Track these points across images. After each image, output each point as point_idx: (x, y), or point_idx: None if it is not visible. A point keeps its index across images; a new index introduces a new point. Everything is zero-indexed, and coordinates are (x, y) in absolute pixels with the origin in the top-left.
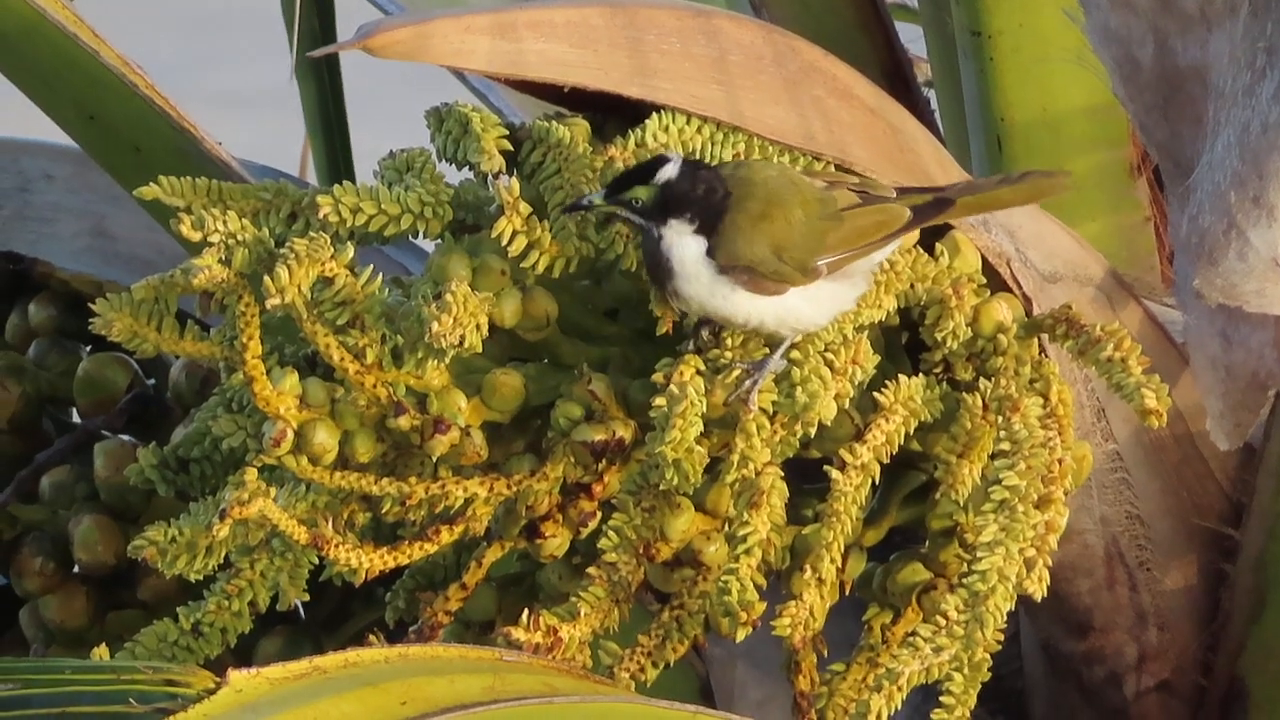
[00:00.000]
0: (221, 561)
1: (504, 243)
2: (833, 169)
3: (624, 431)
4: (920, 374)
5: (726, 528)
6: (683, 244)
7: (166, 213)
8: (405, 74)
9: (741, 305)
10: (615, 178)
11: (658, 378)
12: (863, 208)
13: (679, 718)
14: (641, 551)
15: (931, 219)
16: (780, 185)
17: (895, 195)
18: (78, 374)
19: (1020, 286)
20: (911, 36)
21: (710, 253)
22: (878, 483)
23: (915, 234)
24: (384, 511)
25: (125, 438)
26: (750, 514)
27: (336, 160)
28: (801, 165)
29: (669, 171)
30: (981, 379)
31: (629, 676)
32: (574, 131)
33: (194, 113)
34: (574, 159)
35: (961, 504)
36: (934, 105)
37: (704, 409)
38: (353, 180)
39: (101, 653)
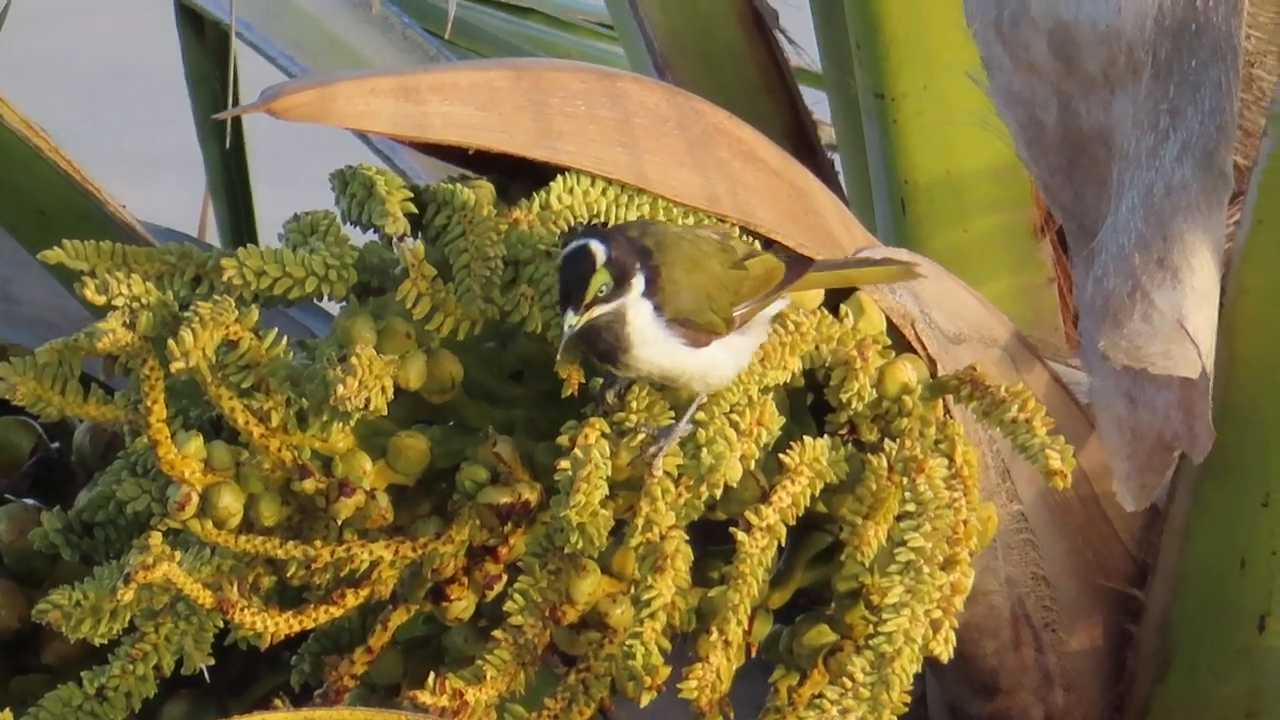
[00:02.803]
0: (126, 626)
1: (409, 305)
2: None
3: (529, 494)
4: (826, 435)
5: (632, 590)
6: (637, 309)
7: (71, 276)
8: (309, 136)
9: (682, 359)
10: (564, 291)
11: (563, 440)
12: (757, 257)
13: None
14: (547, 614)
15: (795, 279)
16: (689, 240)
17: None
18: None
19: (925, 348)
20: (815, 99)
21: (658, 310)
22: (784, 545)
23: (820, 295)
24: (289, 575)
25: (29, 501)
26: (654, 578)
27: (239, 222)
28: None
29: (601, 252)
30: (887, 440)
31: None
32: (479, 194)
33: (98, 175)
34: (479, 222)
35: (867, 565)
36: (838, 167)
37: (609, 472)
38: (256, 242)
39: (5, 718)
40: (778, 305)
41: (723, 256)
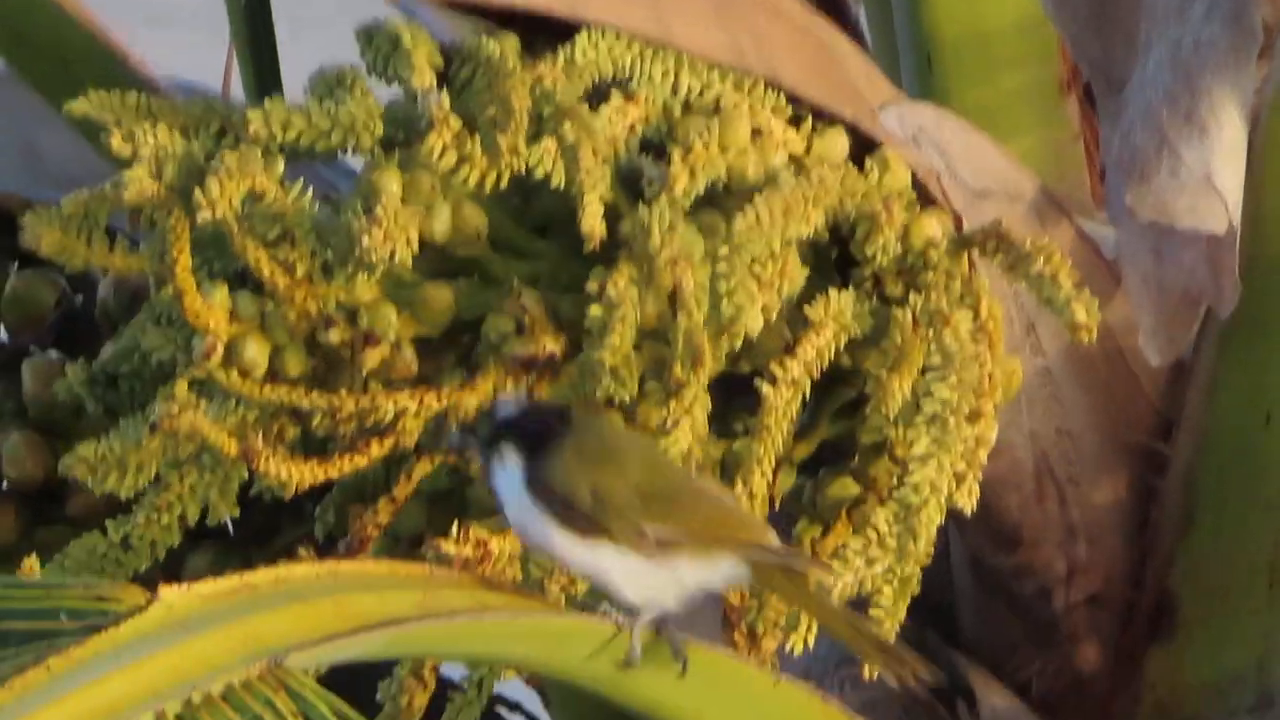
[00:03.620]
0: (151, 478)
1: (434, 158)
2: None
3: (554, 345)
4: (850, 289)
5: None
6: (505, 469)
7: (96, 131)
8: None
9: (553, 539)
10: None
11: (592, 286)
12: (714, 498)
13: (610, 631)
14: None
15: (795, 565)
16: (631, 444)
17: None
18: (5, 292)
19: (950, 202)
20: None
21: (529, 478)
22: (808, 397)
23: (845, 147)
24: (314, 425)
25: (53, 354)
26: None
27: (265, 80)
28: None
29: (508, 409)
30: (912, 294)
31: (559, 590)
32: (504, 47)
33: (123, 33)
34: (504, 74)
35: (892, 418)
36: (864, 24)
37: (638, 318)
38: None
39: (31, 565)
40: (725, 571)
41: (662, 474)
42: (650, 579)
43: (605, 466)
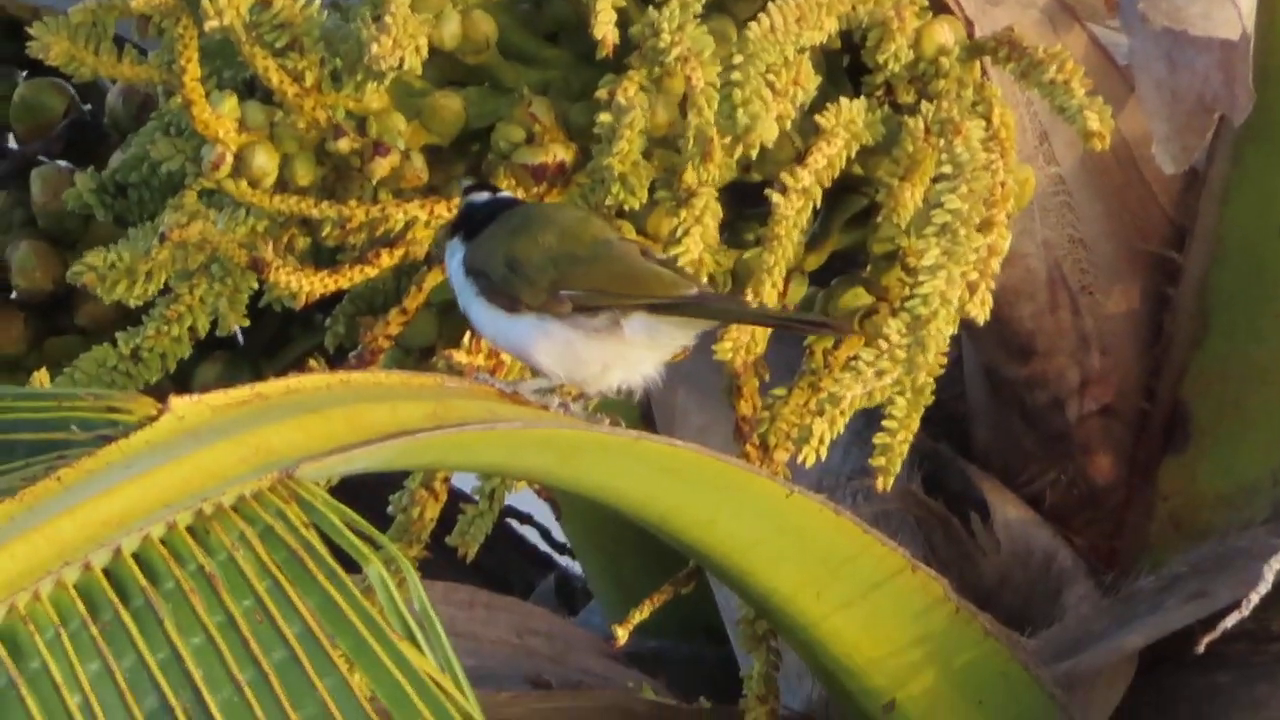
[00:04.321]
0: (160, 288)
1: None
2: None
3: (564, 154)
4: (862, 97)
5: (665, 251)
6: (453, 258)
7: None
8: None
9: (482, 316)
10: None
11: (602, 94)
12: (630, 259)
13: (620, 443)
14: None
15: (710, 316)
16: (556, 216)
17: (696, 287)
18: (14, 99)
19: (962, 9)
20: None
21: (464, 258)
22: (819, 207)
23: None
24: (324, 235)
25: (62, 163)
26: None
27: None
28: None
29: (475, 198)
30: (923, 102)
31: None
32: None
33: None
34: None
35: (903, 227)
36: None
37: (648, 125)
38: None
39: (41, 378)
40: (672, 336)
41: (581, 241)
42: (574, 350)
43: (521, 238)
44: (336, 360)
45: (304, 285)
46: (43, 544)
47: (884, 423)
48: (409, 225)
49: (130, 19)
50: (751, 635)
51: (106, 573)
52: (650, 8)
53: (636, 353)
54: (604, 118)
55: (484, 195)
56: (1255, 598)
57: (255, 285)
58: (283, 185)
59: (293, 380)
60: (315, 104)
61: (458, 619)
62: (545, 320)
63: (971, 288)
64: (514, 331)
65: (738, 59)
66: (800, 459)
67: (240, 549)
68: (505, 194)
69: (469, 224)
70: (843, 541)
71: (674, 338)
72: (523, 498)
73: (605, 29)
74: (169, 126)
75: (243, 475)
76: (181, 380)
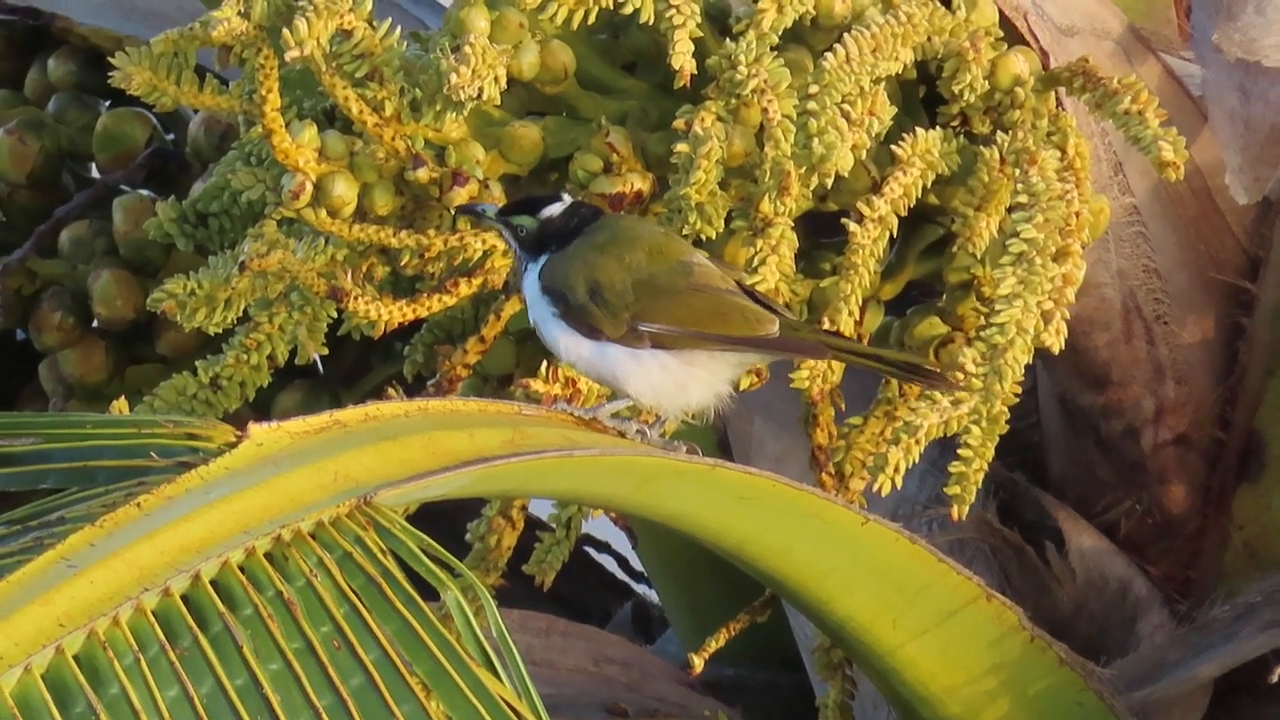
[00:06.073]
0: (240, 315)
1: None
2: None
3: (642, 184)
4: (938, 127)
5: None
6: (528, 273)
7: None
8: None
9: (558, 336)
10: (516, 200)
11: (679, 124)
12: (710, 293)
13: (697, 470)
14: None
15: (795, 352)
16: (640, 232)
17: (778, 314)
18: (97, 129)
19: (1037, 40)
20: None
21: (540, 275)
22: (895, 237)
23: None
24: (403, 265)
25: (144, 192)
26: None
27: None
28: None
29: (553, 210)
30: (999, 132)
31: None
32: None
33: None
34: None
35: (979, 257)
36: None
37: (724, 155)
38: None
39: (121, 406)
40: (740, 358)
41: (663, 269)
42: (658, 377)
43: (605, 259)
44: (415, 388)
45: (383, 314)
46: (122, 569)
47: (959, 451)
48: (487, 254)
49: (212, 49)
50: (827, 663)
51: (185, 598)
52: (728, 39)
53: (712, 374)
54: (681, 148)
55: (557, 206)
56: None
57: (334, 314)
58: (362, 214)
59: (371, 408)
60: (394, 134)
61: (535, 646)
62: (637, 352)
63: (1047, 317)
64: (595, 357)
65: (813, 89)
66: (876, 487)
67: (318, 575)
68: (578, 200)
69: (544, 232)
70: (918, 570)
71: (751, 360)
72: (600, 526)
73: (683, 59)
74: (250, 156)
75: (321, 502)
76: (261, 409)
